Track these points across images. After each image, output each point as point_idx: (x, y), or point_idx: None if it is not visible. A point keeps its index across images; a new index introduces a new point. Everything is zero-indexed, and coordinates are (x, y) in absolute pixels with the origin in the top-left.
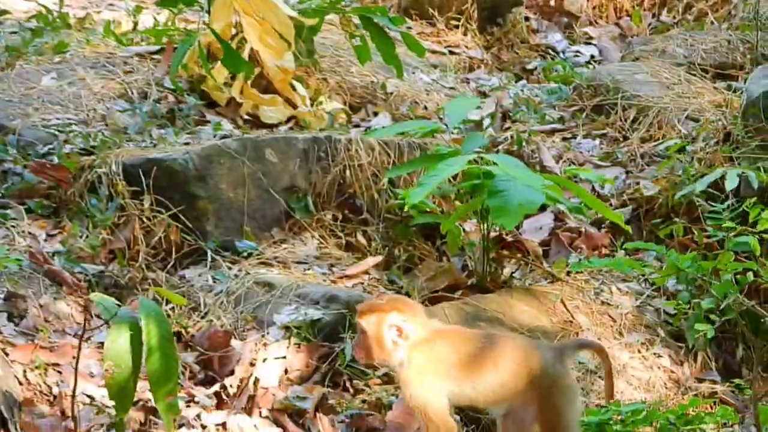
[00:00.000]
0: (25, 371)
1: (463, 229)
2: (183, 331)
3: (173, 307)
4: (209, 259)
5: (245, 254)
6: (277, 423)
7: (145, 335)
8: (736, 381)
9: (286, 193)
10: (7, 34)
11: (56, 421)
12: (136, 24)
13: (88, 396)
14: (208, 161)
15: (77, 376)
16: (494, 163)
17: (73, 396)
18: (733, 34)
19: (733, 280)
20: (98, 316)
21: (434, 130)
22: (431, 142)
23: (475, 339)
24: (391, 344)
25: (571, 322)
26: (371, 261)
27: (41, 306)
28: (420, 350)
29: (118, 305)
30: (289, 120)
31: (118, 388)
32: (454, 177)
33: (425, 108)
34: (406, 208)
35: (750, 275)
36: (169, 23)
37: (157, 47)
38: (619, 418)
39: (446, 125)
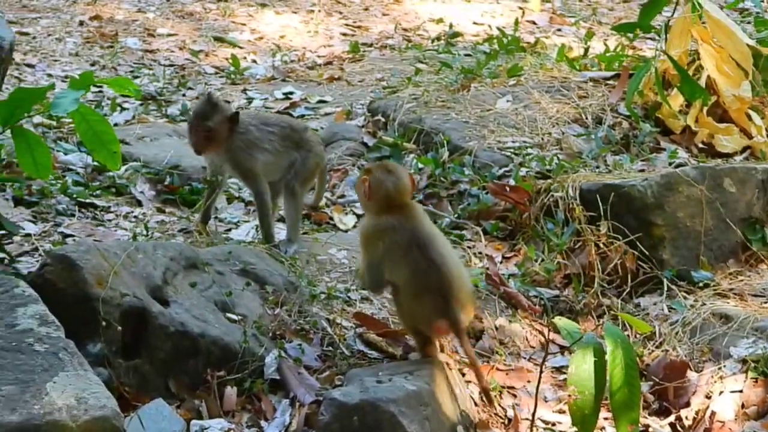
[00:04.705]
0: (480, 393)
1: None
2: (638, 359)
3: (628, 335)
4: (665, 287)
5: (701, 284)
6: None
7: (610, 362)
8: None
9: (743, 224)
10: (461, 56)
11: None
12: (587, 49)
13: (543, 421)
14: (666, 188)
15: (537, 400)
16: None
17: (533, 420)
18: None
19: None
20: (552, 341)
21: None
22: None
23: None
24: None
25: None
26: None
27: (497, 328)
28: None
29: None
30: (744, 150)
31: (581, 414)
32: None
33: None
34: None
35: None
36: (619, 49)
37: (610, 73)
38: None
39: None
